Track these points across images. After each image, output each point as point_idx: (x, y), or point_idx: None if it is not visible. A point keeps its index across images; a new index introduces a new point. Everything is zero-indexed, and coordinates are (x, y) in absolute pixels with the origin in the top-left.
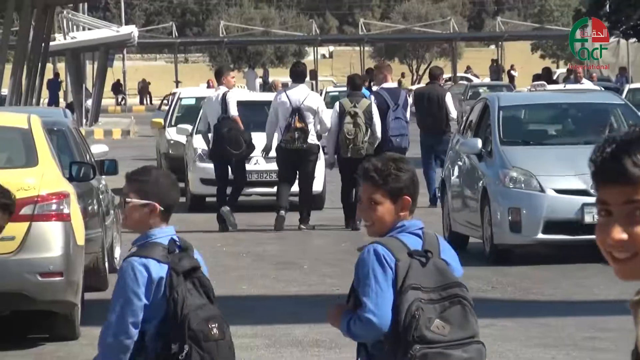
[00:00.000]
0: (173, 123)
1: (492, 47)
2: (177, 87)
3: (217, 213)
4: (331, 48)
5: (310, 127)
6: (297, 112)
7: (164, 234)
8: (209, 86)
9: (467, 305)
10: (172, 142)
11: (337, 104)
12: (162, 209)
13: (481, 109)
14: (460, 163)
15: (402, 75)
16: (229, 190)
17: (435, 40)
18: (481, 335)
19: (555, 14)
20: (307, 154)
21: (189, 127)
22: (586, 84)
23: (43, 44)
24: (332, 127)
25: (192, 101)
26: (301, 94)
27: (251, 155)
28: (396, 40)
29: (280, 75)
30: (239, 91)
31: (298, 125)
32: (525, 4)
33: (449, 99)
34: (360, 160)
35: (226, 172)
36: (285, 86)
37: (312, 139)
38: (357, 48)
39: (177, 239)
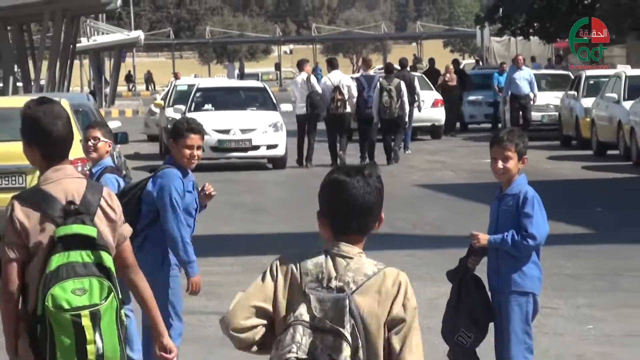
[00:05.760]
0: (171, 104)
1: (414, 44)
2: (174, 77)
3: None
4: (291, 46)
5: (347, 97)
6: (337, 89)
7: None
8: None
9: None
10: (170, 118)
11: (378, 83)
12: None
13: None
14: None
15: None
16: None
17: (370, 40)
18: (404, 263)
19: (461, 19)
20: (346, 118)
21: (182, 107)
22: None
23: (71, 46)
24: (374, 99)
25: (185, 87)
26: (338, 77)
27: (231, 129)
28: (340, 39)
29: (253, 67)
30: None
31: (339, 97)
32: (439, 11)
33: (417, 82)
34: (394, 120)
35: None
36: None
37: (348, 108)
38: (311, 46)
39: None
